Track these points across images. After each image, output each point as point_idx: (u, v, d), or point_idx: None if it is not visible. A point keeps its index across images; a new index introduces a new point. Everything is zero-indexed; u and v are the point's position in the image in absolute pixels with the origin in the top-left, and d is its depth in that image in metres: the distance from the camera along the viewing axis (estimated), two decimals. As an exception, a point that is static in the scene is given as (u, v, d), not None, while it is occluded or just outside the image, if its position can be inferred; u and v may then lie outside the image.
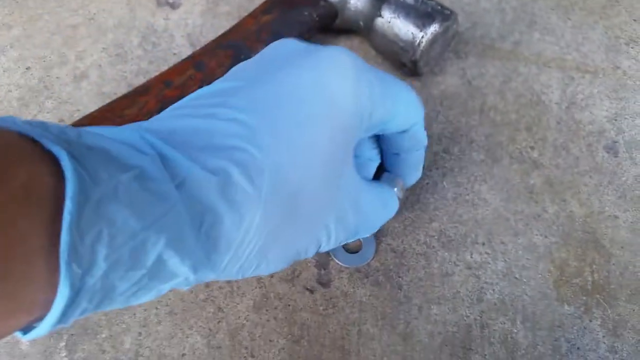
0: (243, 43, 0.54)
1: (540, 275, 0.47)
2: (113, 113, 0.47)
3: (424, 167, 0.45)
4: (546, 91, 0.58)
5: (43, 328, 0.22)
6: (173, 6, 0.65)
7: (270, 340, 0.43)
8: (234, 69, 0.35)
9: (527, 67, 0.60)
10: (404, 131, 0.40)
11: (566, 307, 0.45)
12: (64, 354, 0.43)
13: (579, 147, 0.54)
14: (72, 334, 0.44)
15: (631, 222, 0.49)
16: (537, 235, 0.49)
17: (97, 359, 0.43)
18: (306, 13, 0.57)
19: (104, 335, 0.43)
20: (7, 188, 0.20)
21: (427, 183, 0.51)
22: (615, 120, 0.56)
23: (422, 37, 0.53)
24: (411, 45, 0.54)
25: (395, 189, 0.42)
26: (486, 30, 0.63)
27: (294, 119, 0.30)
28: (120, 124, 0.46)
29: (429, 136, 0.53)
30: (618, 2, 0.67)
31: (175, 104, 0.32)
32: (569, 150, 0.54)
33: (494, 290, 0.46)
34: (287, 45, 0.35)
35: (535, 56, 0.61)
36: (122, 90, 0.56)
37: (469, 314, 0.45)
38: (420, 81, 0.58)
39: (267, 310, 0.45)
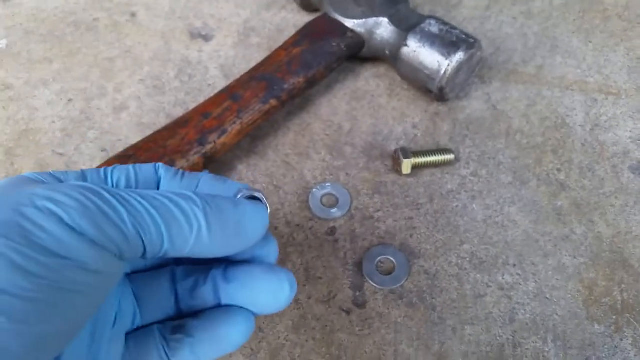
0: (275, 74, 0.56)
1: (570, 295, 0.48)
2: (156, 144, 0.50)
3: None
4: (570, 114, 0.60)
5: None
6: (206, 39, 0.68)
7: (310, 361, 0.45)
8: None
9: (550, 91, 0.62)
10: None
11: (596, 326, 0.46)
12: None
13: (605, 169, 0.55)
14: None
15: (658, 242, 0.51)
16: (566, 256, 0.50)
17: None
18: (334, 44, 0.59)
19: (150, 357, 0.45)
20: None
21: (457, 206, 0.53)
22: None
23: (448, 65, 0.55)
24: (437, 73, 0.56)
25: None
26: (509, 55, 0.65)
27: None
28: (163, 154, 0.49)
29: (459, 159, 0.55)
30: (639, 24, 0.68)
31: None
32: (595, 171, 0.55)
33: (525, 310, 0.47)
34: None
35: (558, 79, 0.63)
36: (161, 120, 0.59)
37: (501, 334, 0.46)
38: (446, 106, 0.60)
39: (305, 330, 0.46)
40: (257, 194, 0.33)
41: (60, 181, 0.29)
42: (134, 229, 0.25)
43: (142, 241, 0.26)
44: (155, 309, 0.33)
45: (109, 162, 0.48)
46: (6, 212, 0.23)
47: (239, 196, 0.32)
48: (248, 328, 0.33)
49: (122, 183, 0.31)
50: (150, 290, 0.33)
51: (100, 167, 0.48)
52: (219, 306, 0.34)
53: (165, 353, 0.31)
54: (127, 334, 0.32)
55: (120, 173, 0.31)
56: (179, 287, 0.34)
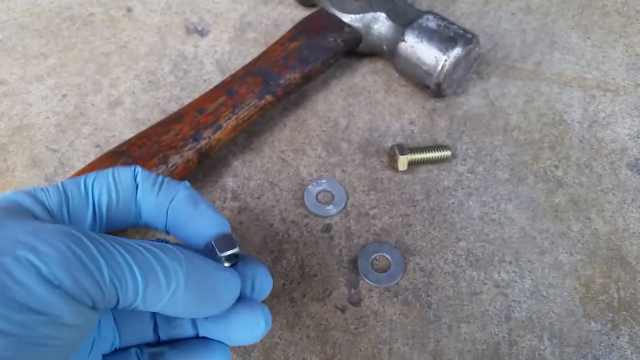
0: (271, 69, 0.56)
1: (566, 293, 0.47)
2: (150, 140, 0.49)
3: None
4: (568, 110, 0.59)
5: None
6: (202, 34, 0.67)
7: (304, 359, 0.44)
8: None
9: (548, 87, 0.61)
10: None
11: (593, 323, 0.46)
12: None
13: (602, 165, 0.55)
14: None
15: (656, 239, 0.50)
16: (562, 253, 0.49)
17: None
18: (331, 39, 0.59)
19: (144, 355, 0.45)
20: None
21: (453, 202, 0.52)
22: (638, 137, 0.57)
23: (445, 60, 0.54)
24: (434, 68, 0.55)
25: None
26: (508, 51, 0.64)
27: None
28: (156, 150, 0.49)
29: (456, 156, 0.55)
30: (638, 20, 0.68)
31: None
32: (592, 168, 0.55)
33: (521, 308, 0.47)
34: None
35: (557, 75, 0.62)
36: (156, 116, 0.59)
37: (497, 332, 0.45)
38: (443, 102, 0.60)
39: (299, 328, 0.46)
40: (226, 234, 0.33)
41: (39, 201, 0.29)
42: (111, 283, 0.25)
43: (117, 295, 0.26)
44: (134, 334, 0.33)
45: (102, 159, 0.48)
46: None
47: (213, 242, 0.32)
48: None
49: (104, 197, 0.31)
50: (130, 316, 0.33)
51: (92, 164, 0.48)
52: (197, 337, 0.34)
53: None
54: (104, 356, 0.32)
55: (101, 185, 0.31)
56: (158, 316, 0.34)
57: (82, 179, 0.31)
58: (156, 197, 0.32)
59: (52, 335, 0.24)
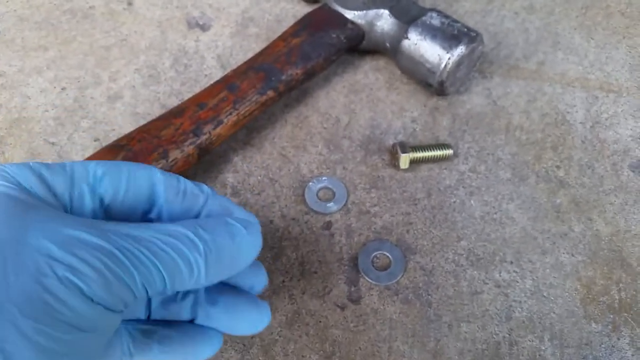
0: (274, 65, 0.55)
1: (567, 294, 0.47)
2: (149, 134, 0.49)
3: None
4: (571, 110, 0.59)
5: None
6: (203, 28, 0.67)
7: (303, 356, 0.44)
8: None
9: (551, 87, 0.61)
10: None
11: (594, 325, 0.46)
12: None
13: (604, 166, 0.55)
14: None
15: (658, 241, 0.50)
16: (564, 253, 0.49)
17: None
18: (334, 35, 0.58)
19: (141, 350, 0.45)
20: None
21: (455, 202, 0.52)
22: (640, 139, 0.57)
23: (449, 58, 0.54)
24: (437, 66, 0.55)
25: None
26: (511, 51, 0.64)
27: None
28: (156, 144, 0.48)
29: (458, 154, 0.54)
30: (641, 22, 0.68)
31: None
32: (594, 169, 0.54)
33: (522, 308, 0.46)
34: None
35: (560, 76, 0.62)
36: (156, 110, 0.58)
37: (498, 332, 0.45)
38: (446, 101, 0.59)
39: (299, 326, 0.46)
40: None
41: (48, 186, 0.28)
42: (143, 287, 0.26)
43: (147, 293, 0.27)
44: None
45: (101, 152, 0.47)
46: (28, 283, 0.23)
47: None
48: (217, 349, 0.35)
49: (109, 195, 0.30)
50: None
51: (91, 157, 0.47)
52: (190, 322, 0.35)
53: (129, 350, 0.32)
54: None
55: (107, 186, 0.30)
56: (153, 299, 0.34)
57: (91, 171, 0.30)
58: (181, 204, 0.32)
59: (91, 346, 0.25)
